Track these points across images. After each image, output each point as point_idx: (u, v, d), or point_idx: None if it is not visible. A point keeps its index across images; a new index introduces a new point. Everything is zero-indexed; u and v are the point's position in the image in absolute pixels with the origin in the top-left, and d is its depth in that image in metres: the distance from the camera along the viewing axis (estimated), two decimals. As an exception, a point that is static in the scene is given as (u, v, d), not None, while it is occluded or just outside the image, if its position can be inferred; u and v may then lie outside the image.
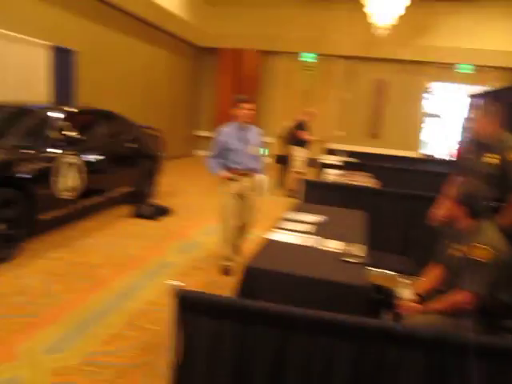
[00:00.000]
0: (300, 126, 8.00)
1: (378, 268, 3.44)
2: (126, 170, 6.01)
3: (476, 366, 1.50)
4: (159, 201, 6.36)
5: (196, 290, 1.70)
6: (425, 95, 12.26)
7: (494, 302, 2.27)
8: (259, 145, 4.26)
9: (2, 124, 5.00)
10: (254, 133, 4.22)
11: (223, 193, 4.15)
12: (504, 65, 11.19)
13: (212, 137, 12.99)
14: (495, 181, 3.38)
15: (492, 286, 2.21)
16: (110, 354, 2.73)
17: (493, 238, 2.28)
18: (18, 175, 4.05)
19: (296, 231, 2.90)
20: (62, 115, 4.86)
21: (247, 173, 4.15)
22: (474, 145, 3.76)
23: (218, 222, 4.28)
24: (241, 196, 4.17)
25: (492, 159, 3.42)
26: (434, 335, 1.48)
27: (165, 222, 5.79)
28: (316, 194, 4.66)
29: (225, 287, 3.87)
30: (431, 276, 2.61)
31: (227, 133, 4.12)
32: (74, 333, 2.94)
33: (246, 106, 4.05)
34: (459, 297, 2.24)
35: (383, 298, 2.73)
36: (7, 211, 3.94)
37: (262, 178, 4.27)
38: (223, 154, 4.09)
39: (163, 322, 3.18)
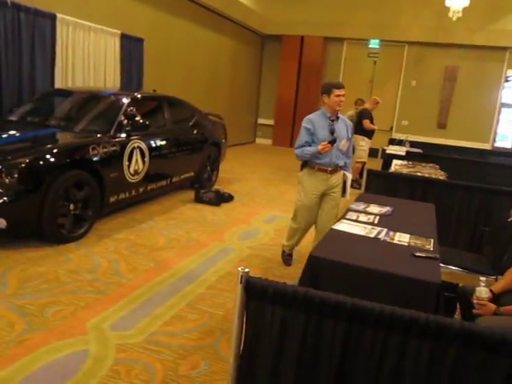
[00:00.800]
0: (364, 115, 7.76)
1: (447, 264, 3.28)
2: (190, 156, 6.11)
3: None
4: (221, 187, 6.43)
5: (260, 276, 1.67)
6: (503, 84, 11.44)
7: None
8: (348, 138, 3.82)
9: (75, 109, 5.25)
10: (343, 124, 3.78)
11: (304, 190, 3.80)
12: None
13: (272, 125, 13.00)
14: None
15: None
16: (171, 335, 2.79)
17: None
18: (90, 158, 4.23)
19: (361, 222, 2.81)
20: (129, 101, 5.01)
21: (333, 170, 3.76)
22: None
23: (291, 219, 4.04)
24: (323, 195, 3.81)
25: None
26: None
27: (225, 208, 5.86)
28: (379, 185, 4.52)
29: (284, 275, 3.86)
30: (509, 275, 2.43)
31: (316, 122, 3.68)
32: (138, 312, 3.03)
33: (339, 92, 3.59)
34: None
35: (454, 297, 2.61)
36: (79, 193, 4.13)
37: (348, 177, 3.90)
38: (310, 146, 3.69)
39: (223, 306, 3.22)
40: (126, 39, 7.07)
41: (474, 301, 2.25)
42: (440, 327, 1.33)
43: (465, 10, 8.33)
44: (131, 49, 7.24)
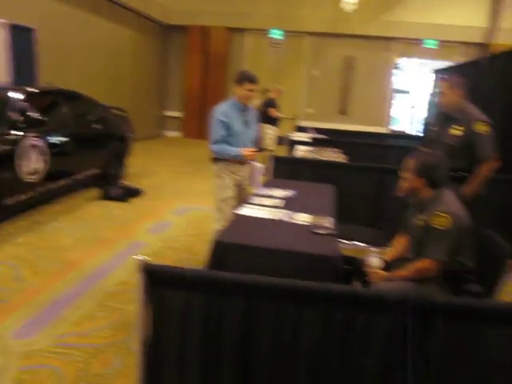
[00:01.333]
0: (269, 104, 7.97)
1: (349, 240, 3.50)
2: (93, 152, 5.88)
3: (442, 326, 1.56)
4: (129, 182, 6.27)
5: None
6: (393, 71, 12.35)
7: (457, 267, 2.35)
8: (256, 128, 3.74)
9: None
10: (252, 114, 3.68)
11: (225, 184, 3.58)
12: (468, 40, 11.37)
13: (181, 117, 12.76)
14: (461, 152, 3.45)
15: (453, 252, 2.28)
16: (81, 336, 2.71)
17: (452, 205, 2.35)
18: (-22, 158, 3.91)
19: (265, 206, 2.91)
20: (22, 96, 4.69)
21: (245, 161, 3.62)
22: (440, 117, 3.83)
23: (217, 221, 3.65)
24: (236, 187, 3.67)
25: (457, 131, 3.50)
26: (400, 297, 1.53)
27: (135, 204, 5.72)
28: (285, 170, 4.68)
29: (197, 265, 3.88)
30: (398, 245, 2.68)
31: (228, 113, 3.48)
32: (44, 316, 2.90)
33: (251, 86, 3.43)
34: (423, 264, 2.31)
35: (353, 269, 2.79)
36: (-32, 196, 3.82)
37: (257, 167, 3.80)
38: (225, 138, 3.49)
39: (134, 301, 3.16)
40: (14, 29, 6.57)
41: (367, 270, 2.45)
42: (328, 293, 1.44)
43: (360, 1, 8.82)
44: (21, 40, 6.74)
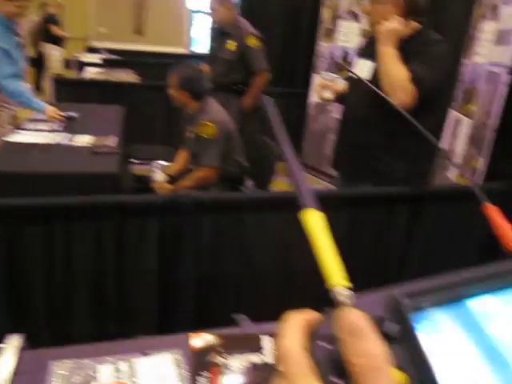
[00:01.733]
0: (49, 20, 7.10)
1: (142, 160, 3.54)
2: None
3: (210, 221, 1.75)
4: None
5: None
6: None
7: (233, 170, 2.60)
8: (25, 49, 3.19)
9: None
10: (19, 33, 3.03)
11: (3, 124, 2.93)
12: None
13: None
14: (236, 66, 3.67)
15: (225, 157, 2.51)
16: None
17: (216, 114, 2.53)
18: None
19: (42, 130, 2.71)
20: None
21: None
22: (216, 33, 3.97)
23: None
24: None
25: (231, 46, 3.67)
26: (168, 199, 1.65)
27: None
28: (70, 94, 4.40)
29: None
30: (181, 159, 2.81)
31: (4, 37, 2.80)
32: None
33: (21, 2, 2.77)
34: (201, 173, 2.49)
35: (142, 186, 2.87)
36: None
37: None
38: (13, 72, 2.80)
39: None
40: None
41: (153, 185, 2.55)
42: (97, 205, 1.47)
43: None
44: None
